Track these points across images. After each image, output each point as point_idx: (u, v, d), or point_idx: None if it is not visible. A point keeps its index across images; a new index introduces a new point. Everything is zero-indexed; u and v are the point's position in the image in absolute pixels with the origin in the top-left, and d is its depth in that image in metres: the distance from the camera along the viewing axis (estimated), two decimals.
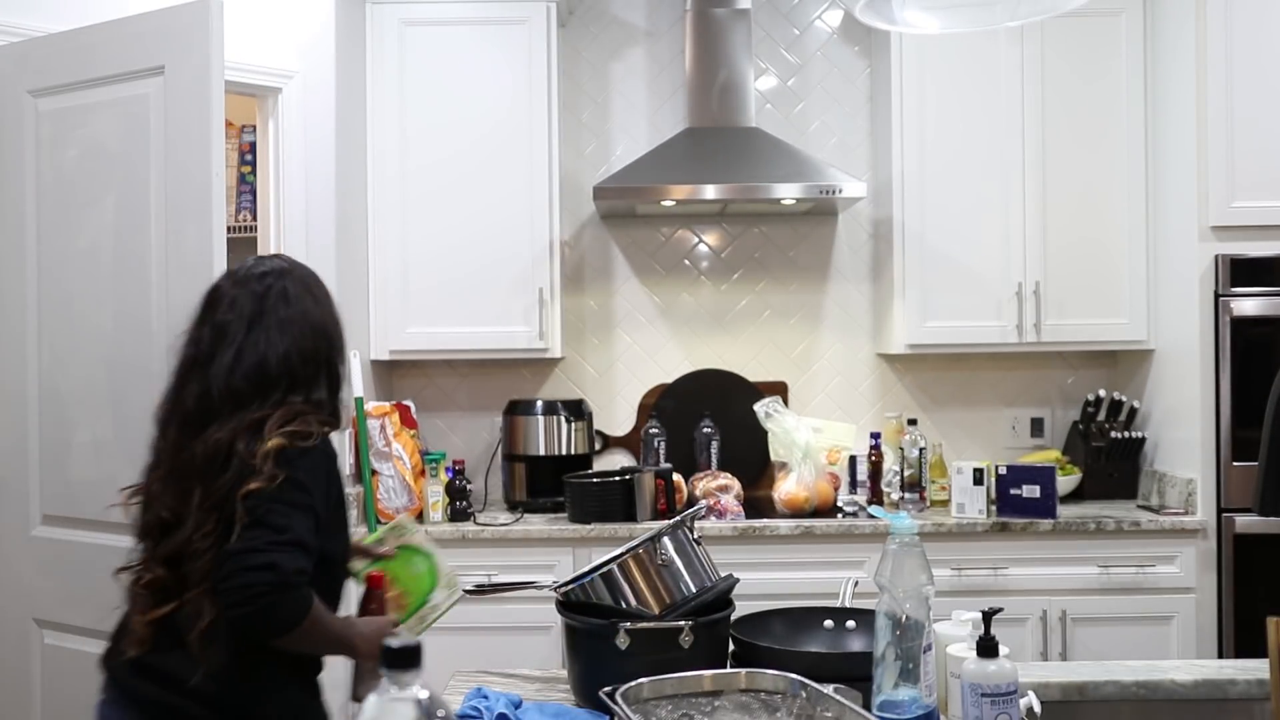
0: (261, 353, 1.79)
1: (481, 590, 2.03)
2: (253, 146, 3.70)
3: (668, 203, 3.64)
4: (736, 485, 3.58)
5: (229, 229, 2.52)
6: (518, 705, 1.68)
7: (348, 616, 1.88)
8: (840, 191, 3.48)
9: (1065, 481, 3.62)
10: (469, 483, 3.54)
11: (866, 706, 1.46)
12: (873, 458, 3.59)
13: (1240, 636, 3.29)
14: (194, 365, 1.82)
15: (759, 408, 3.69)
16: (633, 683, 1.47)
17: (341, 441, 3.34)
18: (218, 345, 1.81)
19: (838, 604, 1.93)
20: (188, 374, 1.83)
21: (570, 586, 1.78)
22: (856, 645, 1.80)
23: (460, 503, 3.49)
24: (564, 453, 3.66)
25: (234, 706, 1.72)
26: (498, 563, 3.29)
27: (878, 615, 1.47)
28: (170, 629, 1.73)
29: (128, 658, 1.77)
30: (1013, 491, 3.39)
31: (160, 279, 2.39)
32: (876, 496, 3.59)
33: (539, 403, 3.69)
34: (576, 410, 3.72)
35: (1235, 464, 3.33)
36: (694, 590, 1.77)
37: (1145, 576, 3.35)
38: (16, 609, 2.60)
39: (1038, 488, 3.36)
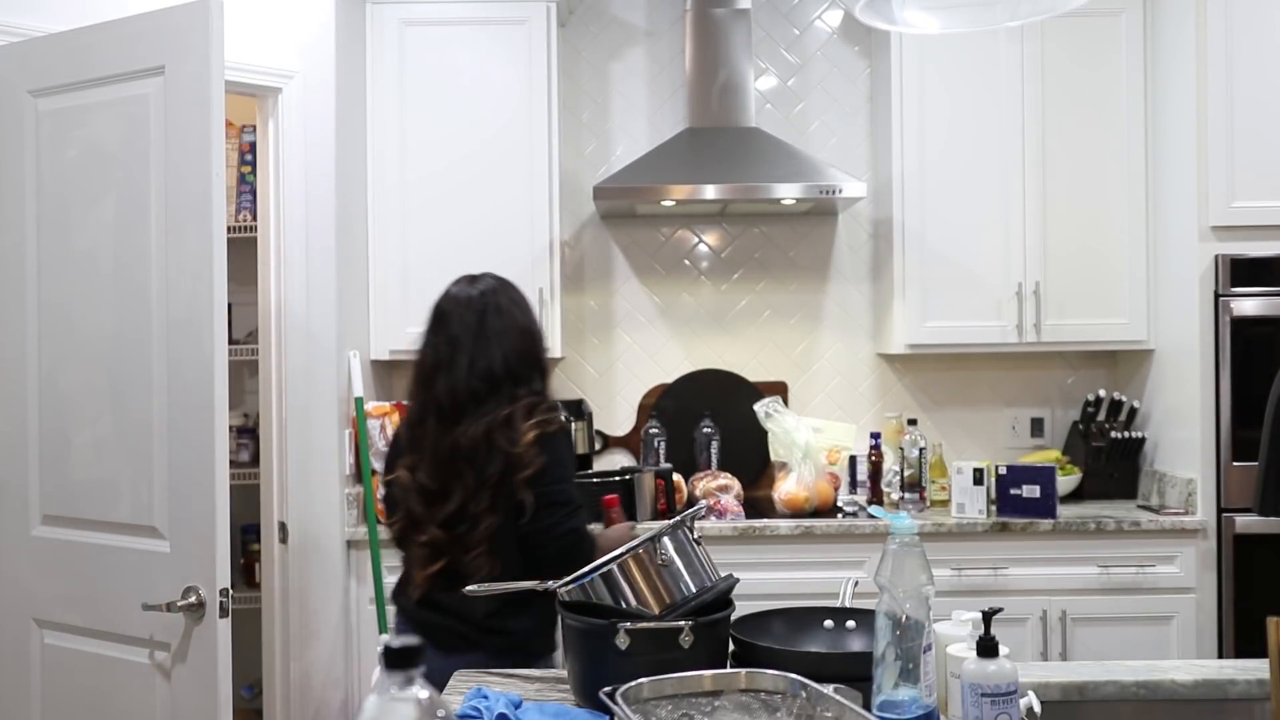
0: (489, 358, 2.26)
1: (481, 591, 2.03)
2: (253, 146, 3.70)
3: (668, 203, 3.64)
4: (736, 485, 3.58)
5: (229, 229, 2.52)
6: (518, 705, 1.68)
7: (601, 531, 2.46)
8: (840, 191, 3.48)
9: (1065, 481, 3.62)
10: None
11: (866, 706, 1.45)
12: (873, 458, 3.59)
13: (1240, 636, 3.29)
14: (437, 370, 2.28)
15: (759, 408, 3.69)
16: (633, 683, 1.47)
17: (342, 440, 3.34)
18: (454, 354, 2.27)
19: (838, 604, 1.92)
20: (433, 377, 2.29)
21: (570, 586, 1.78)
22: (856, 645, 1.80)
23: None
24: None
25: (494, 627, 2.21)
26: None
27: (878, 615, 1.47)
28: (441, 578, 2.22)
29: (412, 598, 2.28)
30: (1013, 491, 3.39)
31: (160, 278, 2.39)
32: (876, 496, 3.59)
33: None
34: (576, 410, 3.72)
35: (1235, 464, 3.33)
36: (694, 590, 1.76)
37: (1145, 576, 3.35)
38: (16, 609, 2.60)
39: (1038, 488, 3.36)
